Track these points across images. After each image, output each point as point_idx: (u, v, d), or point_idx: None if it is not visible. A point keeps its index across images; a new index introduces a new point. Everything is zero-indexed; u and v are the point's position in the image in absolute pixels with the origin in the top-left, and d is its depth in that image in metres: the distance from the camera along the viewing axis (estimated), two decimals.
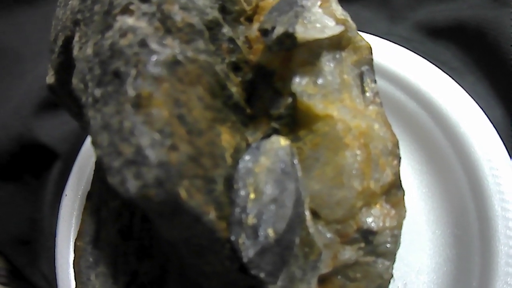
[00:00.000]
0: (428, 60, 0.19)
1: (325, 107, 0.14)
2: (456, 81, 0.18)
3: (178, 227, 0.12)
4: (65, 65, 0.16)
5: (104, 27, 0.12)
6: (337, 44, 0.15)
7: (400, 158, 0.14)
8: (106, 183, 0.18)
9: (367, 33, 0.20)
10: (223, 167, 0.12)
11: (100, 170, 0.19)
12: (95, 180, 0.19)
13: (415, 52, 0.20)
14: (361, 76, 0.15)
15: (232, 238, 0.12)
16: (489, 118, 0.18)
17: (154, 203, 0.10)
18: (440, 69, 0.19)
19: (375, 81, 0.15)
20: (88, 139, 0.22)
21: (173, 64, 0.11)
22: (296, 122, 0.14)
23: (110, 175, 0.10)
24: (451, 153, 0.17)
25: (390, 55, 0.20)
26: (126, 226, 0.17)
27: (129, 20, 0.11)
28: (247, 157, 0.13)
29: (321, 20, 0.14)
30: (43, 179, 0.23)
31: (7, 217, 0.23)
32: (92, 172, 0.22)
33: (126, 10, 0.12)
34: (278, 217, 0.12)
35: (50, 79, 0.17)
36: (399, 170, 0.14)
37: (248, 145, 0.14)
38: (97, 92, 0.11)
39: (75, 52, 0.14)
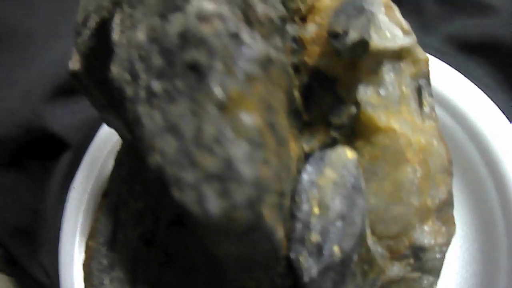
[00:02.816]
0: (461, 73, 0.19)
1: (387, 119, 0.13)
2: (489, 97, 0.18)
3: (238, 245, 0.10)
4: (97, 50, 0.14)
5: (166, 9, 0.10)
6: (397, 54, 0.14)
7: (453, 175, 0.14)
8: (128, 182, 0.16)
9: None
10: (291, 179, 0.11)
11: (121, 167, 0.17)
12: (115, 177, 0.17)
13: (448, 64, 0.19)
14: (419, 90, 0.14)
15: (292, 255, 0.11)
16: None
17: (237, 225, 0.08)
18: (473, 83, 0.19)
19: (432, 95, 0.14)
20: (102, 130, 0.20)
21: (266, 61, 0.09)
22: (353, 132, 0.13)
23: (179, 190, 0.08)
24: (484, 170, 0.17)
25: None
26: (149, 231, 0.15)
27: (209, 5, 0.09)
28: (310, 168, 0.12)
29: (390, 29, 0.13)
30: (50, 169, 0.21)
31: (7, 206, 0.21)
32: (104, 166, 0.20)
33: None
34: (346, 235, 0.11)
35: (74, 64, 0.15)
36: (452, 188, 0.14)
37: (306, 154, 0.13)
38: (156, 85, 0.10)
39: (115, 36, 0.12)
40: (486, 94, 0.18)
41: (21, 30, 0.22)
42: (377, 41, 0.12)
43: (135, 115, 0.10)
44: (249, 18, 0.10)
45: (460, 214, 0.18)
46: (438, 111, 0.19)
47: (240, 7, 0.10)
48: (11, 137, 0.20)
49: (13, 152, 0.21)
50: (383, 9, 0.14)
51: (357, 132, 0.13)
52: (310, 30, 0.15)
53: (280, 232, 0.10)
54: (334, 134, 0.13)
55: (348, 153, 0.12)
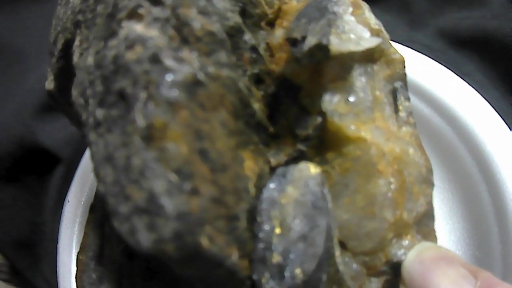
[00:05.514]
0: (451, 70, 0.17)
1: (357, 128, 0.11)
2: (481, 95, 0.16)
3: (195, 270, 0.09)
4: (65, 71, 0.13)
5: (108, 34, 0.10)
6: (369, 56, 0.12)
7: (433, 185, 0.12)
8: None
9: None
10: (246, 200, 0.10)
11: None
12: (98, 193, 0.16)
13: (437, 61, 0.17)
14: (394, 93, 0.13)
15: (255, 277, 0.10)
16: None
17: (171, 257, 0.08)
18: (464, 81, 0.17)
19: (408, 99, 0.13)
20: None
21: (193, 85, 0.08)
22: (323, 143, 0.12)
23: (116, 220, 0.08)
24: (476, 172, 0.15)
25: (412, 64, 0.17)
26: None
27: (138, 28, 0.09)
28: (272, 186, 0.11)
29: (355, 30, 0.11)
30: (45, 183, 0.21)
31: (8, 220, 0.21)
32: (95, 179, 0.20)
33: (133, 15, 0.09)
34: (307, 257, 0.10)
35: (49, 84, 0.14)
36: (432, 199, 0.12)
37: (272, 169, 0.12)
38: (99, 113, 0.09)
39: (75, 58, 0.12)
40: (478, 92, 0.16)
41: (13, 46, 0.22)
42: (338, 45, 0.11)
43: (88, 140, 0.10)
44: (185, 36, 0.09)
45: (452, 219, 0.16)
46: (428, 110, 0.17)
47: (174, 26, 0.09)
48: (7, 152, 0.20)
49: (10, 167, 0.21)
50: (350, 8, 0.12)
51: (326, 143, 0.12)
52: (278, 35, 0.13)
53: (234, 256, 0.09)
54: (300, 146, 0.12)
55: (311, 169, 0.11)
